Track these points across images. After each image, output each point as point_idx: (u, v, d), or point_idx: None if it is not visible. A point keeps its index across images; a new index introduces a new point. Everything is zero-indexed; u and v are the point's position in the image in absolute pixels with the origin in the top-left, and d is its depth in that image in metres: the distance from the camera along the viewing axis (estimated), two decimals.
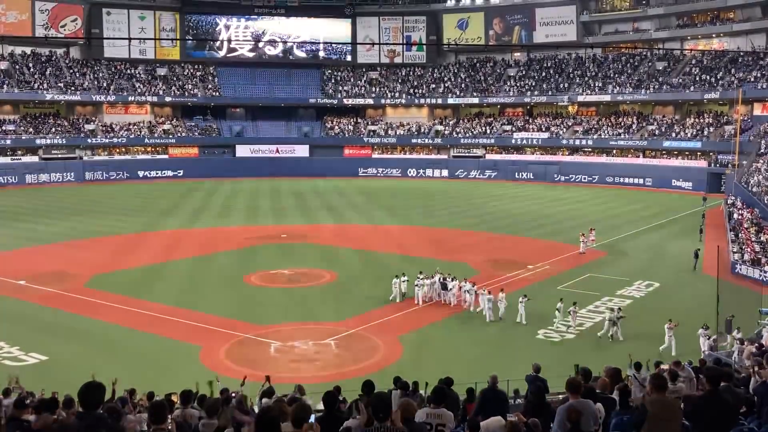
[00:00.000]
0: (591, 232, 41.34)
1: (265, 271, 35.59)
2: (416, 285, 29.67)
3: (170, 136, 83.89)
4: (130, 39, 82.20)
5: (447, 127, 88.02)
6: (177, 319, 27.44)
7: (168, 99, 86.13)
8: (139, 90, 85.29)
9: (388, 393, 9.99)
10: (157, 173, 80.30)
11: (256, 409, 12.82)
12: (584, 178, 75.74)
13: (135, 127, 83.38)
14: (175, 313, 28.10)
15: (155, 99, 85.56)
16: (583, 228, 43.29)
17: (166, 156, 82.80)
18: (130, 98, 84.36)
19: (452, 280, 30.00)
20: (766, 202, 46.47)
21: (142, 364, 22.39)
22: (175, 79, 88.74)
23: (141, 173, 79.48)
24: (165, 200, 61.93)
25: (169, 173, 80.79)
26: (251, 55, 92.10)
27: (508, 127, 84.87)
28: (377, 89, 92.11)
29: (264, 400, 13.94)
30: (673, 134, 73.38)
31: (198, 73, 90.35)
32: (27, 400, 12.25)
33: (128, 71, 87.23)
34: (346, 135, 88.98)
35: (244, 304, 29.65)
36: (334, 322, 27.06)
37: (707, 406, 7.16)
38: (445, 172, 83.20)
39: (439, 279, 30.06)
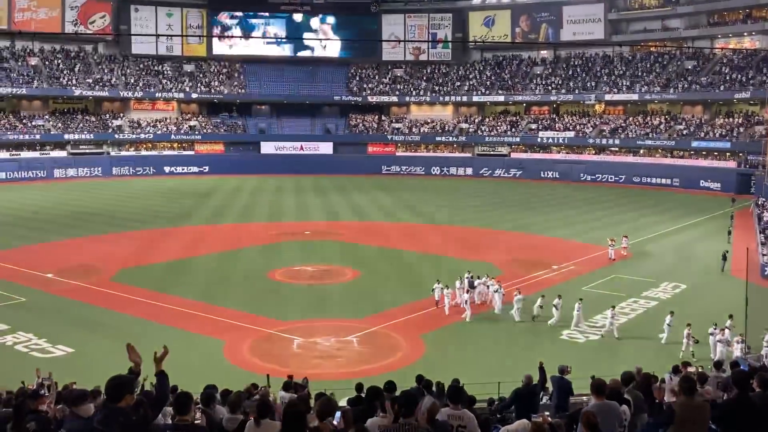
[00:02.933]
0: (624, 239, 39.71)
1: (289, 268, 35.75)
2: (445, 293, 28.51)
3: (196, 133, 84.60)
4: (157, 35, 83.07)
5: (472, 125, 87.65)
6: (202, 314, 27.66)
7: (194, 96, 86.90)
8: (165, 86, 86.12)
9: (416, 391, 9.97)
10: (183, 169, 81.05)
11: (279, 403, 12.88)
12: (610, 178, 74.94)
13: (161, 123, 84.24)
14: (199, 308, 28.33)
15: (182, 95, 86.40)
16: (611, 232, 42.80)
17: (192, 152, 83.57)
18: (157, 94, 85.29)
19: (478, 278, 29.85)
20: None
21: (167, 358, 22.57)
22: (201, 75, 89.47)
23: (167, 169, 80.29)
24: (190, 196, 62.47)
25: (195, 169, 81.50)
26: (277, 52, 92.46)
27: (533, 126, 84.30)
28: (402, 87, 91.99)
29: (281, 393, 14.00)
30: (702, 134, 72.33)
31: (224, 70, 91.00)
32: (41, 390, 12.43)
33: (155, 68, 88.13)
34: (370, 133, 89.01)
35: (267, 300, 29.81)
36: (356, 320, 27.09)
37: (735, 410, 7.04)
38: (469, 171, 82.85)
39: (468, 278, 29.77)
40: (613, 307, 26.68)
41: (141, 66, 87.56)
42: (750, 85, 70.13)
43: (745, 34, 76.36)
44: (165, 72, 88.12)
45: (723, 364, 14.92)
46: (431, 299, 29.20)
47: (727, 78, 73.34)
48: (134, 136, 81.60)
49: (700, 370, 13.76)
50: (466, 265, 33.17)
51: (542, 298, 27.47)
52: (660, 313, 27.09)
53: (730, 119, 72.64)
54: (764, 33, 73.62)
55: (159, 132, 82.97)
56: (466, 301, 27.85)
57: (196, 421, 7.14)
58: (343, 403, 12.37)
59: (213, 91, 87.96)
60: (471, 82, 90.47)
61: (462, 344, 24.92)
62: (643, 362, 15.58)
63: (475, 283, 29.52)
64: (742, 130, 69.96)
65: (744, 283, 25.26)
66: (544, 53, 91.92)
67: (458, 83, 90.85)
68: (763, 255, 36.83)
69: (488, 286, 29.37)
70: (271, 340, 25.01)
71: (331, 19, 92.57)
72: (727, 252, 36.75)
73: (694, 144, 71.69)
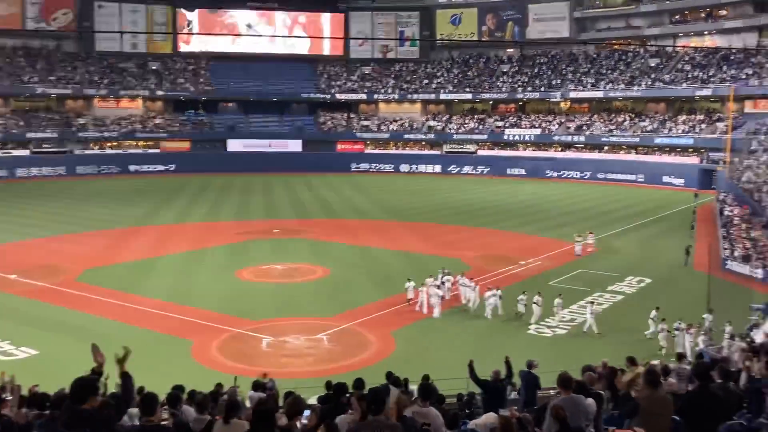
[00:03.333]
0: (589, 235, 40.34)
1: (258, 267, 35.54)
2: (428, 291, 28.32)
3: (162, 131, 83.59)
4: (122, 33, 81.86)
5: (440, 123, 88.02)
6: (169, 313, 27.38)
7: (160, 93, 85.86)
8: (130, 84, 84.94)
9: (384, 388, 10.02)
10: (148, 167, 79.96)
11: (248, 403, 12.83)
12: (576, 174, 75.90)
13: (126, 121, 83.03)
14: (166, 308, 28.04)
15: (147, 93, 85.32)
16: (577, 227, 43.36)
17: (157, 150, 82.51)
18: (121, 92, 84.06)
19: (448, 275, 29.99)
20: (756, 198, 46.70)
21: (134, 359, 22.30)
22: (167, 73, 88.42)
23: (132, 167, 79.16)
24: (157, 195, 61.72)
25: (161, 167, 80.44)
26: (243, 49, 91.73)
27: (500, 123, 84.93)
28: (370, 84, 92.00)
29: (251, 393, 13.96)
30: (665, 131, 73.63)
31: (190, 68, 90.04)
32: (3, 394, 12.19)
33: (120, 65, 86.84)
34: (339, 130, 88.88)
35: (236, 299, 29.61)
36: (326, 318, 27.05)
37: (697, 401, 7.20)
38: (437, 168, 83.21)
39: (441, 275, 29.88)
40: (592, 302, 27.03)
41: (105, 63, 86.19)
42: (711, 83, 71.52)
43: (706, 32, 77.88)
44: (130, 69, 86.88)
45: (686, 356, 15.23)
46: (401, 296, 29.26)
47: (689, 76, 74.72)
48: (99, 134, 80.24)
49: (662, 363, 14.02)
50: (436, 261, 33.34)
51: (524, 295, 27.57)
52: (626, 307, 27.56)
53: (693, 116, 74.03)
54: (724, 32, 75.15)
55: (124, 130, 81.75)
56: (441, 297, 27.97)
57: (162, 422, 7.08)
58: (313, 401, 12.36)
59: (179, 88, 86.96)
60: (439, 80, 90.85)
61: (432, 340, 25.04)
62: (610, 356, 15.80)
63: (444, 279, 29.66)
64: (703, 126, 71.34)
65: (706, 277, 25.82)
66: (510, 51, 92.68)
67: (426, 81, 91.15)
68: (725, 249, 37.65)
69: (466, 287, 29.35)
70: (239, 339, 24.86)
71: (297, 16, 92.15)
72: (690, 246, 37.49)
73: (658, 140, 72.95)
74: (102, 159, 78.82)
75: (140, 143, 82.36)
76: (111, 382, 11.06)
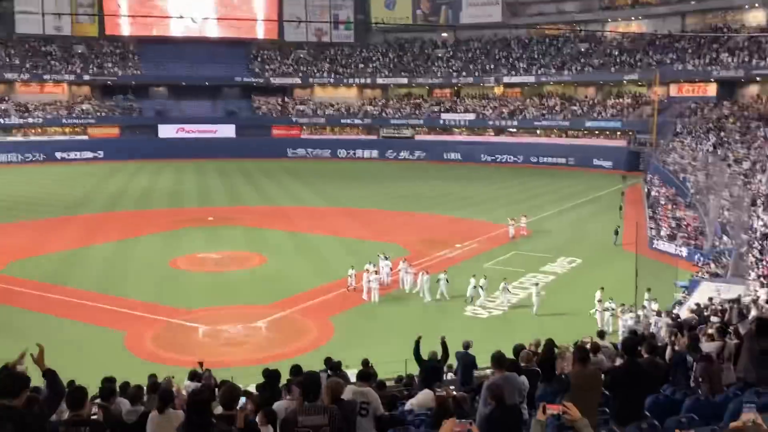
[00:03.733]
0: (522, 218, 40.57)
1: (192, 255, 34.93)
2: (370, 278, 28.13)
3: (89, 116, 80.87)
4: (44, 14, 78.48)
5: (376, 108, 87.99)
6: (100, 305, 26.65)
7: (86, 77, 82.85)
8: (55, 68, 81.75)
9: (318, 373, 10.04)
10: (76, 155, 77.29)
11: (184, 393, 12.63)
12: (510, 158, 77.16)
13: (51, 107, 79.97)
14: (98, 299, 27.28)
15: (73, 77, 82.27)
16: (511, 210, 44.13)
17: (85, 137, 79.80)
18: (45, 77, 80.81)
19: (386, 259, 30.13)
20: (681, 179, 48.54)
21: (65, 352, 21.66)
22: (93, 56, 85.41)
23: (59, 155, 76.33)
24: (85, 183, 59.78)
25: (89, 155, 77.90)
26: (174, 32, 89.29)
27: (436, 108, 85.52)
28: (305, 68, 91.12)
29: (186, 383, 13.78)
30: (595, 114, 75.57)
31: (118, 51, 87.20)
32: None
33: (43, 48, 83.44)
34: (274, 115, 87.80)
35: (170, 289, 29.06)
36: (264, 305, 26.84)
37: (625, 375, 7.45)
38: (375, 153, 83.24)
39: (381, 260, 29.90)
40: (537, 284, 27.54)
41: (27, 46, 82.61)
42: (638, 67, 73.64)
43: (633, 18, 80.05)
44: (54, 53, 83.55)
45: (606, 334, 15.73)
46: (340, 282, 29.28)
47: (617, 60, 76.76)
48: (22, 120, 77.06)
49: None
50: (374, 247, 33.45)
51: (474, 278, 27.77)
52: (558, 287, 28.32)
53: (621, 100, 76.19)
54: (650, 17, 77.43)
55: (49, 116, 78.72)
56: (380, 282, 28.04)
57: (92, 416, 6.90)
58: (252, 389, 12.27)
59: (106, 72, 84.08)
60: (374, 65, 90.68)
61: (371, 325, 25.18)
62: (543, 335, 16.17)
63: (383, 264, 29.79)
64: (631, 110, 73.53)
65: (634, 256, 26.71)
66: (445, 36, 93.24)
67: (362, 65, 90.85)
68: (651, 229, 39.03)
69: (404, 271, 29.50)
70: (174, 329, 24.43)
71: None
72: (619, 227, 38.72)
73: (588, 124, 74.81)
74: (26, 146, 75.75)
75: (67, 129, 79.53)
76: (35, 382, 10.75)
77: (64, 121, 79.32)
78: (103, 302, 26.95)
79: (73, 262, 33.23)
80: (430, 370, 12.04)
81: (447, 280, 27.96)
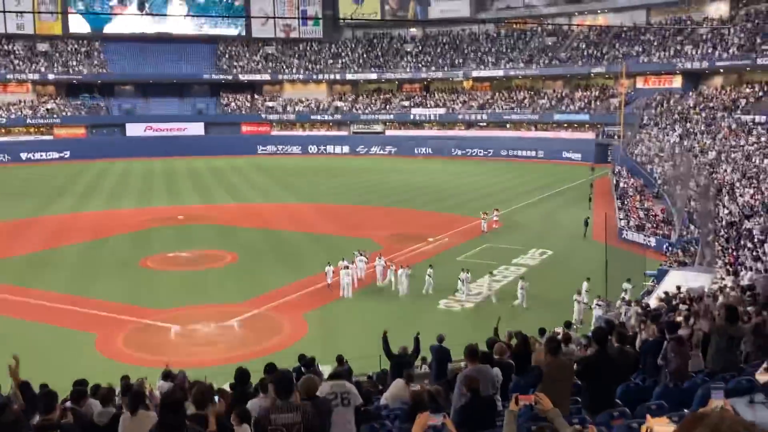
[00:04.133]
0: (494, 212, 40.69)
1: (163, 254, 34.55)
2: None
3: (55, 116, 79.56)
4: (5, 11, 76.90)
5: (346, 104, 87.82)
6: (70, 307, 26.24)
7: (51, 77, 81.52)
8: (18, 67, 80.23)
9: (291, 371, 10.03)
10: (41, 155, 76.04)
11: (157, 394, 12.53)
12: (480, 152, 77.66)
13: (15, 107, 78.48)
14: (67, 301, 26.86)
15: (37, 77, 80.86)
16: (482, 203, 44.39)
17: (50, 137, 78.54)
18: (8, 76, 79.34)
19: (361, 255, 30.02)
20: (649, 170, 49.24)
21: (35, 356, 21.32)
22: (58, 55, 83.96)
23: (24, 155, 75.00)
24: (51, 183, 58.78)
25: (55, 155, 76.68)
26: (139, 29, 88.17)
27: (406, 103, 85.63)
28: (274, 65, 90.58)
29: (160, 383, 13.67)
30: (563, 107, 76.29)
31: (83, 49, 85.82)
32: None
33: (5, 47, 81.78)
34: (243, 112, 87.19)
35: (141, 289, 28.70)
36: (236, 304, 26.66)
37: (596, 364, 7.56)
38: (346, 149, 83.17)
39: (357, 256, 29.82)
40: (522, 278, 27.53)
41: None
42: (605, 60, 74.47)
43: (599, 11, 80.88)
44: (16, 52, 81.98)
45: (573, 324, 15.93)
46: (312, 278, 29.20)
47: (584, 54, 77.53)
48: None
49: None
50: (346, 242, 33.41)
51: (465, 273, 27.62)
52: (531, 279, 28.52)
53: (588, 92, 77.00)
54: (615, 10, 78.26)
55: (13, 116, 77.28)
56: (353, 278, 27.98)
57: (63, 420, 6.80)
58: (227, 388, 12.19)
59: (71, 71, 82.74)
60: (344, 60, 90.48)
61: (344, 321, 25.15)
62: (517, 326, 16.31)
63: (358, 259, 29.70)
64: (598, 103, 74.35)
65: (604, 247, 27.04)
66: (413, 31, 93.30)
67: (331, 61, 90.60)
68: (620, 220, 39.55)
69: (379, 266, 29.46)
70: (146, 330, 24.15)
71: None
72: (589, 218, 39.17)
73: (556, 117, 75.53)
74: None
75: (31, 130, 78.12)
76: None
77: (28, 121, 77.92)
78: (73, 304, 26.53)
79: (41, 264, 32.64)
80: (398, 365, 12.07)
81: (430, 275, 27.79)
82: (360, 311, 26.13)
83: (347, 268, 28.15)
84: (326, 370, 13.04)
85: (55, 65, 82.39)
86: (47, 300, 27.08)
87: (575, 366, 7.88)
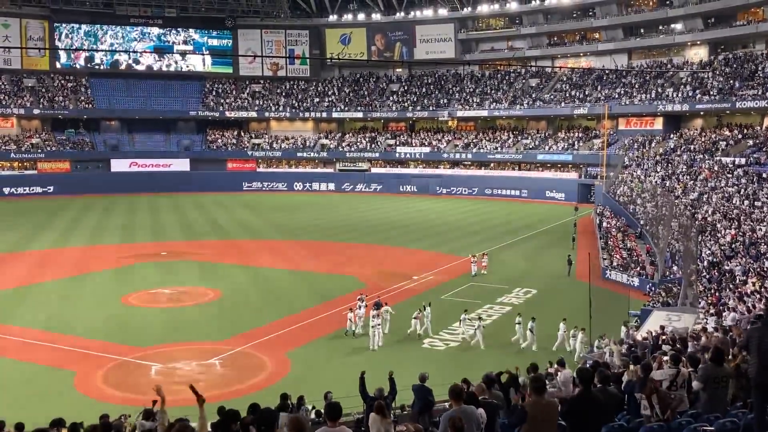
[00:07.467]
0: (483, 257, 39.62)
1: (145, 291, 34.21)
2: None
3: (39, 151, 79.22)
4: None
5: (332, 141, 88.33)
6: (48, 344, 25.82)
7: (36, 111, 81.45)
8: (4, 102, 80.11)
9: (275, 410, 9.92)
10: (25, 190, 75.53)
11: None
12: (464, 191, 78.16)
13: (0, 141, 78.23)
14: (46, 338, 26.44)
15: (22, 111, 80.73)
16: (466, 241, 44.47)
17: (34, 171, 78.08)
18: None
19: (361, 301, 28.75)
20: (631, 210, 49.72)
21: (12, 394, 20.93)
22: (44, 90, 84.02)
23: (6, 190, 74.44)
24: (33, 219, 58.27)
25: (38, 190, 76.19)
26: (126, 66, 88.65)
27: (391, 141, 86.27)
28: (261, 102, 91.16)
29: (140, 422, 13.45)
30: (546, 147, 77.16)
31: (69, 85, 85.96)
32: None
33: None
34: (229, 149, 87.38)
35: (122, 326, 28.33)
36: (218, 341, 26.37)
37: (580, 405, 7.54)
38: (331, 186, 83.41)
39: (358, 300, 29.24)
40: (480, 318, 27.64)
41: None
42: (587, 102, 75.66)
43: (581, 54, 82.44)
44: (3, 86, 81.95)
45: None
46: (296, 316, 29.07)
47: (567, 95, 78.75)
48: None
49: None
50: (331, 280, 33.23)
51: (465, 314, 27.50)
52: (514, 318, 28.50)
53: (571, 133, 78.02)
54: (597, 54, 79.79)
55: None
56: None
57: None
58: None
59: (57, 106, 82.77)
60: (330, 99, 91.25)
61: (328, 359, 24.91)
62: (500, 366, 16.25)
63: (359, 305, 28.94)
64: (581, 143, 75.31)
65: (587, 286, 27.13)
66: (399, 71, 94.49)
67: (317, 99, 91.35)
68: (604, 259, 39.76)
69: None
70: (126, 368, 23.78)
71: (185, 34, 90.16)
72: (572, 257, 39.33)
73: (540, 157, 76.31)
74: None
75: (15, 164, 77.69)
76: None
77: (12, 155, 77.50)
78: (53, 341, 26.13)
79: (19, 300, 32.18)
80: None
81: (427, 316, 27.50)
82: (343, 350, 25.91)
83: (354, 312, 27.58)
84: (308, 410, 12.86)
85: (41, 100, 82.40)
86: (26, 337, 26.67)
87: (559, 407, 7.86)
